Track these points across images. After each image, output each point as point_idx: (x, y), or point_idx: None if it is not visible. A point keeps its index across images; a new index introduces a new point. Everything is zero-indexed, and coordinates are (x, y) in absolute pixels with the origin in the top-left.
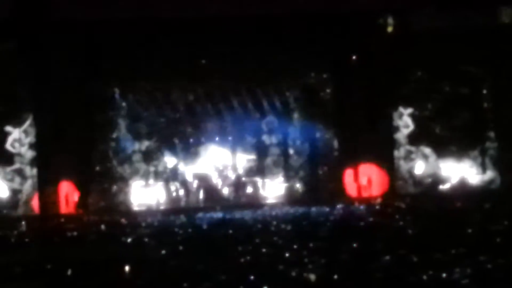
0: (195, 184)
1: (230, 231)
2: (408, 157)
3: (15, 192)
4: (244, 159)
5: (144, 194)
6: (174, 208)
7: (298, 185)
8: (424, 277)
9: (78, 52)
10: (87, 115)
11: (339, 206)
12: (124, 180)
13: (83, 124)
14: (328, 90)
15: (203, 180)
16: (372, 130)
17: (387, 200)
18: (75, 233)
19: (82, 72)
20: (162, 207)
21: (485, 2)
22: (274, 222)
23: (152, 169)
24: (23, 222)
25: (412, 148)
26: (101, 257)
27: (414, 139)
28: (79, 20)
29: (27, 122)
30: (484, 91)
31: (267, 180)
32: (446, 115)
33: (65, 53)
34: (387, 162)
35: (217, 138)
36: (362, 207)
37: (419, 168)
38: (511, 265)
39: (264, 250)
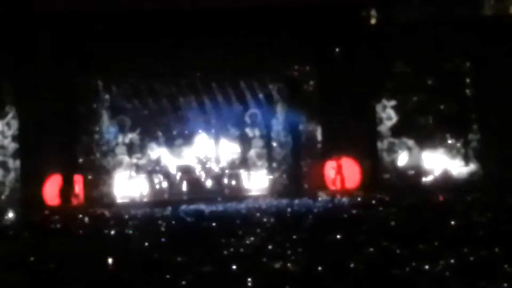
0: (178, 176)
1: (213, 223)
2: (391, 149)
3: None
4: (227, 151)
5: (128, 186)
6: (158, 200)
7: (281, 177)
8: (407, 269)
9: (61, 44)
10: (70, 108)
11: (322, 198)
12: (107, 172)
13: (66, 117)
14: (311, 83)
15: (187, 172)
16: (355, 123)
17: (370, 192)
18: (58, 225)
19: (65, 64)
20: (145, 199)
21: None
22: (257, 214)
23: (135, 161)
24: (6, 214)
25: (395, 140)
26: (85, 249)
27: (397, 131)
28: (62, 12)
29: (10, 115)
30: (468, 83)
31: (250, 172)
32: (429, 107)
33: (48, 46)
34: (370, 154)
35: (200, 130)
36: (345, 199)
37: (402, 160)
38: (494, 257)
39: (247, 242)
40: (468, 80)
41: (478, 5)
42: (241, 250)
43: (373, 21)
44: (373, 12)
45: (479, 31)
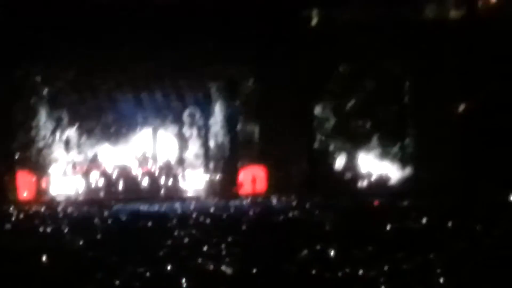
0: (115, 174)
1: (149, 223)
2: (328, 151)
3: None
4: (164, 150)
5: (64, 184)
6: (93, 199)
7: (217, 178)
8: (340, 273)
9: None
10: (8, 102)
11: (258, 200)
12: (43, 169)
13: (3, 112)
14: (250, 83)
15: (123, 171)
16: (294, 124)
17: (306, 195)
18: None
19: (4, 58)
20: (81, 197)
21: None
22: (193, 215)
23: (72, 158)
24: None
25: (333, 143)
26: (19, 247)
27: (335, 133)
28: (1, 3)
29: None
30: (406, 87)
31: (187, 172)
32: (368, 110)
33: None
34: (307, 156)
35: (138, 128)
36: (281, 201)
37: (339, 162)
38: (428, 263)
39: (182, 243)
40: (406, 84)
41: (419, 9)
42: (176, 250)
43: (314, 22)
44: (314, 13)
45: (420, 35)
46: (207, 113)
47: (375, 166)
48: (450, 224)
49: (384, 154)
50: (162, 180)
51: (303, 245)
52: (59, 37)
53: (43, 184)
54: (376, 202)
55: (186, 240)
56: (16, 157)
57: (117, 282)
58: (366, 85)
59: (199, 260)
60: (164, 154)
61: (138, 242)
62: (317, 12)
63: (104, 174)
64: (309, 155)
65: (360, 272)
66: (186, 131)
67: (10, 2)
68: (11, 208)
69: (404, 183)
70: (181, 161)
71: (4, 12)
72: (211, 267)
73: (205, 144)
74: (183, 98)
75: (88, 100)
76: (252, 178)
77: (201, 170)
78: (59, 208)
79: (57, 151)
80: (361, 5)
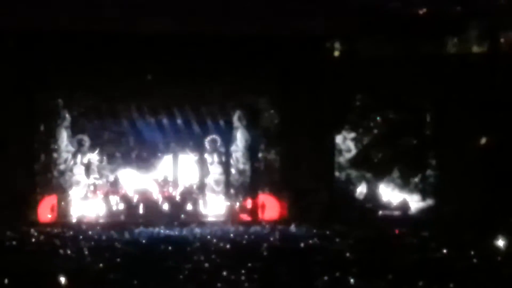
0: (135, 198)
1: (169, 248)
2: (349, 181)
3: None
4: (185, 176)
5: (85, 207)
6: (114, 222)
7: (238, 204)
8: None
9: (23, 62)
10: (30, 126)
11: (279, 226)
12: (64, 192)
13: (25, 134)
14: (272, 111)
15: (144, 195)
16: (314, 153)
17: (327, 223)
18: (14, 243)
19: (27, 82)
20: (102, 221)
21: (433, 31)
22: (214, 240)
23: (93, 181)
24: None
25: (353, 173)
26: (39, 268)
27: (356, 163)
28: (25, 30)
29: None
30: (428, 119)
31: (207, 198)
32: (388, 141)
33: (10, 63)
34: (328, 186)
35: (159, 154)
36: (301, 228)
37: (360, 192)
38: None
39: (202, 267)
40: (428, 117)
41: (442, 44)
42: (196, 275)
43: (336, 53)
44: (337, 45)
45: (442, 69)
46: (228, 141)
47: (396, 196)
48: (470, 254)
49: (405, 184)
50: (183, 205)
51: (322, 272)
52: (81, 62)
53: (64, 207)
54: (396, 231)
55: (205, 264)
56: (37, 180)
57: None
58: (387, 117)
59: (219, 285)
60: (185, 179)
61: (158, 265)
62: (339, 44)
63: (124, 197)
64: (330, 184)
65: None
66: (208, 157)
67: (33, 28)
68: (31, 230)
69: (425, 213)
70: (201, 187)
71: (26, 37)
72: None
73: (226, 171)
74: (205, 124)
75: (110, 125)
76: (273, 205)
77: (221, 196)
78: (80, 231)
79: (78, 175)
80: (383, 39)
